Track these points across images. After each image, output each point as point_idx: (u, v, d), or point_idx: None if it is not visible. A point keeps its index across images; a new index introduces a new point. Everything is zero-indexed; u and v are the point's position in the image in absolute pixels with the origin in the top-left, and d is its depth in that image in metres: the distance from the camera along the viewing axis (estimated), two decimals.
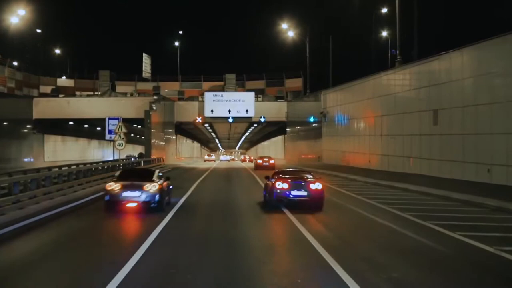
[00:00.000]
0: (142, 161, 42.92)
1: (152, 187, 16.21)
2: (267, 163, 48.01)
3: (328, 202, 19.11)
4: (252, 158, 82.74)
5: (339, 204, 20.52)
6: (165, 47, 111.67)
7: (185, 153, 77.42)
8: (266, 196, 19.00)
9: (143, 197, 16.05)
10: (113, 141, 31.06)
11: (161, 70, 77.45)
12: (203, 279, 8.77)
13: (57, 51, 73.53)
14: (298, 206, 17.63)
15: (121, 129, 30.27)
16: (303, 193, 17.54)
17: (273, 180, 18.24)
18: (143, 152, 47.55)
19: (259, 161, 49.09)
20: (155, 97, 52.06)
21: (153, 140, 48.14)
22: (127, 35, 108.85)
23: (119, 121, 31.35)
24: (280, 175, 18.66)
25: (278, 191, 17.54)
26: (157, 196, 16.20)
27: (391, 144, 30.64)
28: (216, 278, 8.85)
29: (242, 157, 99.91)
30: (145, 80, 71.10)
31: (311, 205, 17.63)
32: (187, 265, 9.64)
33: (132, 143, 73.78)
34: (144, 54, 78.88)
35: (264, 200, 19.44)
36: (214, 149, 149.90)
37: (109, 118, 31.37)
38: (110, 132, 31.74)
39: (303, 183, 17.75)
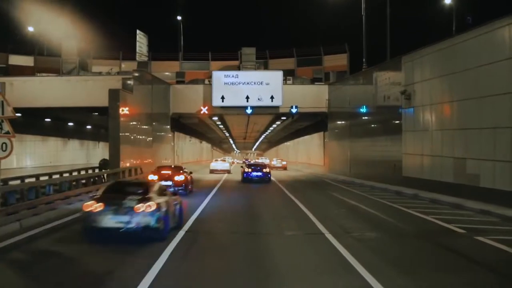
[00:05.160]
0: (104, 175, 25.24)
1: (228, 164, 49.55)
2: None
3: None
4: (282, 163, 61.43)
5: None
6: (165, 24, 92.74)
7: (188, 156, 59.45)
8: None
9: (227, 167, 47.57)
10: None
11: (161, 50, 59.06)
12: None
13: (30, 28, 55.70)
14: None
15: (1, 111, 12.79)
16: None
17: None
18: (107, 158, 29.69)
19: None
20: (135, 74, 34.08)
21: (128, 135, 30.39)
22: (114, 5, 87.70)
23: None
24: None
25: None
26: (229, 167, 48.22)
27: None
28: None
29: (267, 160, 75.44)
30: (134, 60, 53.17)
31: None
32: None
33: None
34: (138, 32, 60.85)
35: None
36: (228, 151, 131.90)
37: None
38: None
39: None
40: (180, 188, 23.05)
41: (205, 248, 11.86)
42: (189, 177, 25.36)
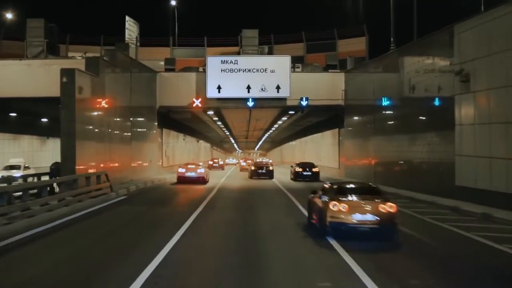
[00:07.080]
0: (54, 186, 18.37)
1: (235, 160, 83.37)
2: None
3: None
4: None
5: None
6: (159, 13, 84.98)
7: (183, 157, 52.38)
8: None
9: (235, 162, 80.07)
10: None
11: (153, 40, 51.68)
12: None
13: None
14: None
15: None
16: None
17: None
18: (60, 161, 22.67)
19: None
20: (106, 55, 27.10)
21: (90, 130, 23.35)
22: None
23: None
24: None
25: None
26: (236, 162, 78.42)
27: None
28: None
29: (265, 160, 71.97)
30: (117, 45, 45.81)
31: None
32: None
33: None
34: (128, 19, 53.58)
35: None
36: (229, 150, 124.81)
37: None
38: None
39: None
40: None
41: None
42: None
